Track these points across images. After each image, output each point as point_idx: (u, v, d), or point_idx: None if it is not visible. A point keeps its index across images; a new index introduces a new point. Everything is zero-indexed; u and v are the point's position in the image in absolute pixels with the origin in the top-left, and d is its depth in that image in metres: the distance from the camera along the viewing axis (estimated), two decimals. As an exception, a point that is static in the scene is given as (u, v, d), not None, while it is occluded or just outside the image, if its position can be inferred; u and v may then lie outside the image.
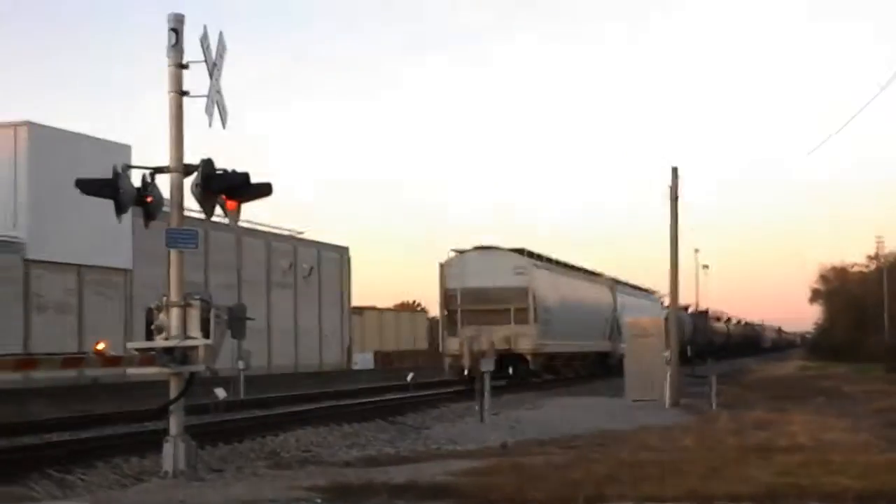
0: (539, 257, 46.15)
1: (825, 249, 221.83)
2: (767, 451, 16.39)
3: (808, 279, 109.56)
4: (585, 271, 55.44)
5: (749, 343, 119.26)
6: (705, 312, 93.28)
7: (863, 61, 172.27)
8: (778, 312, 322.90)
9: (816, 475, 12.95)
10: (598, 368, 52.71)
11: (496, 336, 35.29)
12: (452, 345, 39.92)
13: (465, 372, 31.90)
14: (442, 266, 42.65)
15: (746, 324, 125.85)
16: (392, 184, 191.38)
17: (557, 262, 49.74)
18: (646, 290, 67.38)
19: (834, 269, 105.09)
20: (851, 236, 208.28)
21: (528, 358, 41.31)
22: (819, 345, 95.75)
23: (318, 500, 12.75)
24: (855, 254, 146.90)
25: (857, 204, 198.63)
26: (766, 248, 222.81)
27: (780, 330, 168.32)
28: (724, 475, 13.34)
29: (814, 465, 13.91)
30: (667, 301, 44.88)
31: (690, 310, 78.69)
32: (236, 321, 16.29)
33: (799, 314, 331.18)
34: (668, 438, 20.38)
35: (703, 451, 17.28)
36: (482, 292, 40.70)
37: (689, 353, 48.78)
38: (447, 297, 42.49)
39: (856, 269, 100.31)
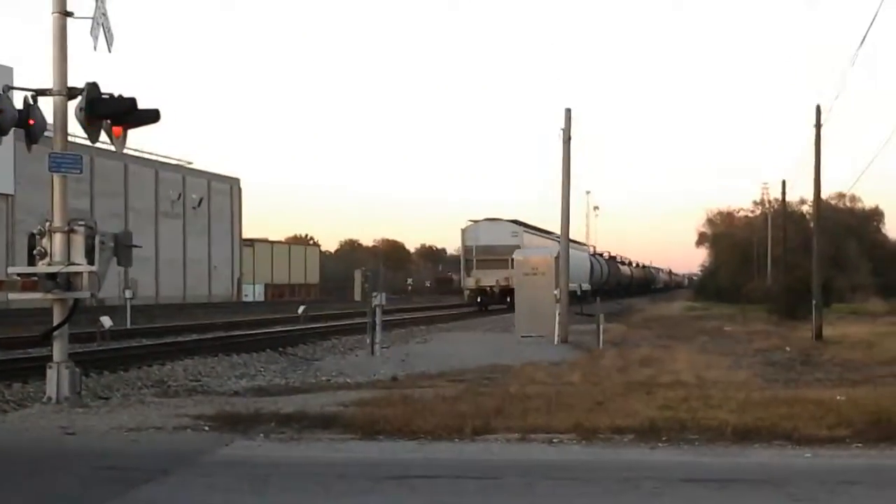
0: (526, 225, 61.88)
1: (713, 195, 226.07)
2: (651, 387, 16.70)
3: (696, 223, 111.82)
4: (550, 232, 63.13)
5: (647, 283, 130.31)
6: (615, 257, 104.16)
7: (747, 8, 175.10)
8: (667, 254, 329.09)
9: (696, 410, 13.25)
10: (581, 298, 61.64)
11: (498, 277, 53.07)
12: (469, 282, 57.90)
13: (478, 299, 48.37)
14: (462, 230, 59.63)
15: (644, 266, 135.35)
16: (288, 114, 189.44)
17: (537, 228, 64.01)
18: (581, 244, 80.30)
19: (720, 213, 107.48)
20: (738, 183, 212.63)
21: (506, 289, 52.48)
22: (705, 286, 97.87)
23: (206, 428, 12.65)
24: (741, 199, 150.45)
25: (745, 151, 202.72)
26: (655, 192, 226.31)
27: (670, 272, 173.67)
28: (609, 409, 13.57)
29: (694, 401, 14.22)
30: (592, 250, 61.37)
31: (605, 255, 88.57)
32: (122, 248, 15.99)
33: (686, 257, 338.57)
34: (556, 374, 20.68)
35: (588, 385, 17.57)
36: (489, 248, 56.80)
37: (580, 292, 59.47)
38: (466, 250, 59.74)
39: (741, 214, 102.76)
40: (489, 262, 56.59)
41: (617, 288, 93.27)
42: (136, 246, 16.66)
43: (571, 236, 35.89)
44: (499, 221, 60.00)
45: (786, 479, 9.70)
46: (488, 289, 55.72)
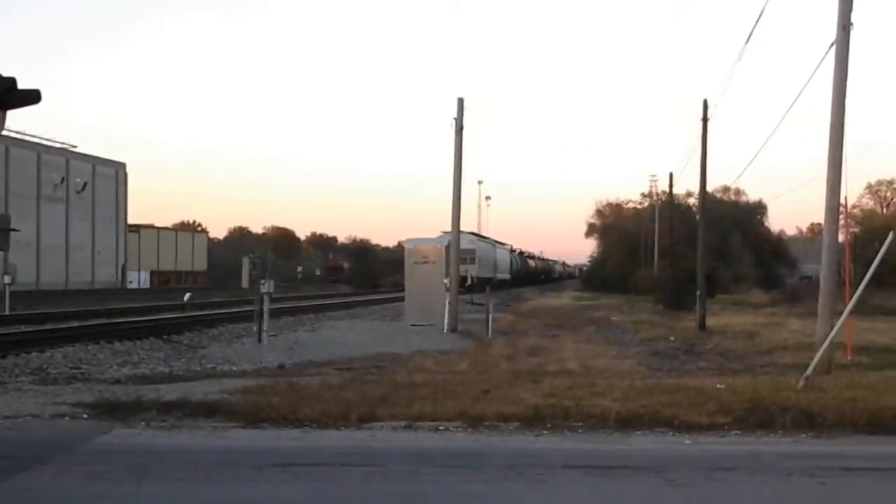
0: (479, 235, 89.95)
1: (603, 188, 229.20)
2: (538, 376, 16.83)
3: (586, 214, 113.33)
4: (501, 243, 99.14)
5: (548, 273, 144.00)
6: (524, 253, 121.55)
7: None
8: (557, 245, 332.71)
9: (581, 398, 13.38)
10: (503, 285, 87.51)
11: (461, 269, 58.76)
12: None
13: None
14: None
15: (544, 259, 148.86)
16: (175, 97, 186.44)
17: (484, 237, 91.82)
18: (503, 244, 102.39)
19: (609, 205, 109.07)
20: (628, 175, 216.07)
21: (474, 280, 70.40)
22: (593, 277, 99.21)
23: (85, 416, 12.35)
24: (630, 191, 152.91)
25: (634, 144, 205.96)
26: (546, 183, 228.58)
27: (564, 263, 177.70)
28: (495, 397, 13.63)
29: (579, 389, 14.36)
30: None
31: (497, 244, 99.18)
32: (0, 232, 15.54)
33: (576, 247, 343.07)
34: (444, 362, 20.74)
35: (476, 374, 17.65)
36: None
37: (473, 283, 69.50)
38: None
39: (630, 205, 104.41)
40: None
41: (525, 278, 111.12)
42: (13, 230, 16.24)
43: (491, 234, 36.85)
44: (462, 233, 69.74)
45: (666, 464, 9.85)
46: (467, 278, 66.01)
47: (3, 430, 11.64)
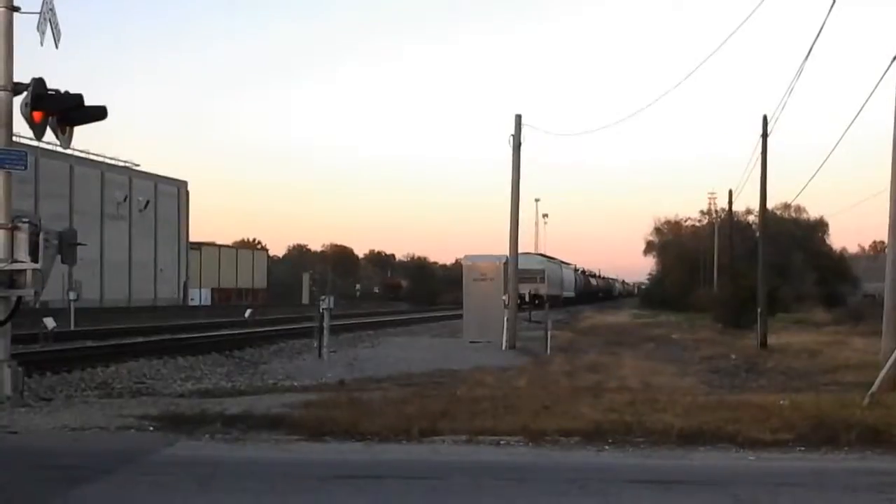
0: (547, 257, 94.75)
1: (661, 204, 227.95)
2: (598, 392, 16.78)
3: (644, 232, 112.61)
4: (567, 263, 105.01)
5: (608, 292, 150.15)
6: (586, 272, 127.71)
7: (702, 18, 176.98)
8: (614, 263, 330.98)
9: (642, 413, 13.33)
10: (570, 302, 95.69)
11: (530, 289, 71.88)
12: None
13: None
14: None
15: (605, 278, 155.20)
16: (236, 117, 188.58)
17: (552, 258, 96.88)
18: (568, 263, 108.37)
19: (668, 222, 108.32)
20: (686, 193, 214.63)
21: (544, 297, 66.79)
22: (652, 295, 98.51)
23: (150, 429, 12.53)
24: (689, 209, 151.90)
25: (692, 161, 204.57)
26: (604, 201, 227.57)
27: (623, 282, 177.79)
28: (555, 412, 13.61)
29: (640, 405, 14.29)
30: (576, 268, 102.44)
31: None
32: (66, 246, 15.81)
33: (633, 265, 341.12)
34: (503, 378, 20.71)
35: (536, 390, 17.61)
36: (525, 271, 67.56)
37: (543, 301, 71.32)
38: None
39: (689, 223, 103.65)
40: (524, 279, 70.35)
41: (587, 296, 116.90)
42: (80, 244, 16.49)
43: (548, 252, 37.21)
44: (530, 255, 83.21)
45: (729, 480, 9.78)
46: (525, 296, 67.63)
47: (71, 442, 11.85)
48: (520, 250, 36.36)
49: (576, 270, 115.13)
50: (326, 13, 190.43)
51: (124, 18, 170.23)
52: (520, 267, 77.01)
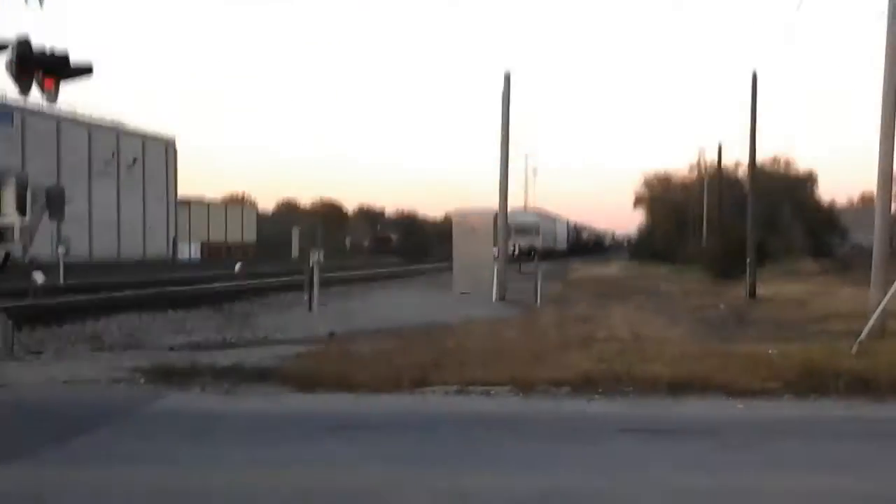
0: (544, 213, 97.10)
1: (651, 157, 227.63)
2: (587, 342, 16.83)
3: (634, 185, 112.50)
4: (555, 216, 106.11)
5: (600, 245, 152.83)
6: (576, 225, 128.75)
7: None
8: (604, 216, 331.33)
9: (632, 363, 13.37)
10: (563, 255, 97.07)
11: (527, 241, 77.64)
12: (511, 245, 69.00)
13: (515, 253, 53.68)
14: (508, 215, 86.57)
15: (594, 231, 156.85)
16: (224, 72, 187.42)
17: (546, 212, 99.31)
18: (562, 219, 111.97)
19: (657, 176, 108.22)
20: (676, 145, 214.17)
21: (538, 250, 72.96)
22: (641, 247, 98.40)
23: (141, 381, 12.55)
24: (678, 161, 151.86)
25: (682, 114, 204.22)
26: (593, 154, 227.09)
27: (613, 235, 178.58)
28: (545, 362, 13.66)
29: (630, 354, 14.36)
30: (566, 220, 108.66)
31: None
32: (54, 202, 15.77)
33: (623, 218, 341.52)
34: (493, 330, 20.73)
35: (526, 341, 17.66)
36: (522, 224, 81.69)
37: (537, 253, 73.25)
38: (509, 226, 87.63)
39: (678, 177, 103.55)
40: (521, 233, 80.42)
41: (579, 248, 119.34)
42: (67, 201, 16.45)
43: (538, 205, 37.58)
44: (526, 210, 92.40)
45: (719, 428, 9.86)
46: (522, 247, 73.25)
47: (64, 394, 11.88)
48: (510, 204, 36.33)
49: (568, 224, 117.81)
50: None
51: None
52: (516, 221, 78.51)
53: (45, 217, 15.74)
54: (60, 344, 18.12)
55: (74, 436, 9.38)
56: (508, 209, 39.50)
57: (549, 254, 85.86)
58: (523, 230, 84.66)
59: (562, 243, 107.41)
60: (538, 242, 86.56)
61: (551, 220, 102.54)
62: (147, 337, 19.98)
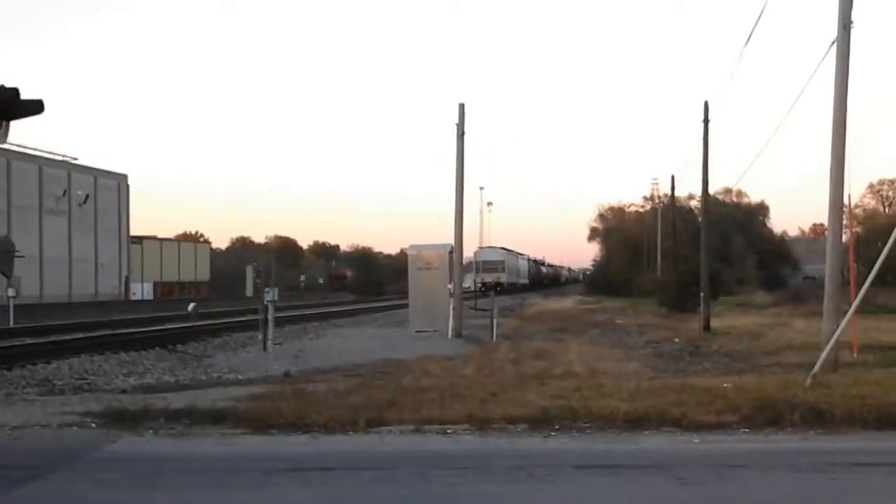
0: (507, 249, 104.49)
1: (604, 190, 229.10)
2: (544, 378, 16.82)
3: (588, 218, 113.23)
4: (519, 253, 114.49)
5: (556, 279, 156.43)
6: (536, 260, 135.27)
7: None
8: (559, 249, 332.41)
9: (588, 399, 13.37)
10: (525, 289, 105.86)
11: (493, 277, 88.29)
12: (478, 279, 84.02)
13: (481, 287, 62.99)
14: (475, 253, 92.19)
15: (553, 265, 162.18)
16: (177, 110, 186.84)
17: (510, 250, 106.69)
18: (521, 253, 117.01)
19: (612, 208, 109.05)
20: (629, 179, 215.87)
21: (503, 285, 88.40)
22: (596, 281, 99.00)
23: (93, 425, 12.35)
24: (632, 195, 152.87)
25: (635, 147, 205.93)
26: (547, 187, 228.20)
27: (569, 269, 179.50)
28: (502, 400, 13.62)
29: (586, 390, 14.35)
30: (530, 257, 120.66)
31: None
32: (3, 255, 15.54)
33: (578, 251, 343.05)
34: (450, 367, 20.71)
35: (482, 378, 17.63)
36: (488, 262, 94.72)
37: (503, 288, 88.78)
38: (476, 264, 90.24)
39: (632, 209, 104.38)
40: (488, 269, 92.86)
41: (538, 282, 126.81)
42: (19, 255, 16.19)
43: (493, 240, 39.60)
44: (493, 248, 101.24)
45: (676, 463, 9.84)
46: (489, 283, 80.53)
47: (12, 441, 11.65)
48: (465, 239, 36.41)
49: (529, 260, 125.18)
50: None
51: (63, 14, 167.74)
52: (483, 259, 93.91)
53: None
54: (10, 388, 17.85)
55: (23, 482, 9.19)
56: (477, 247, 39.78)
57: (513, 287, 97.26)
58: (490, 267, 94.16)
59: (524, 278, 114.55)
60: (504, 278, 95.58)
61: (514, 256, 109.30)
62: (99, 379, 19.74)
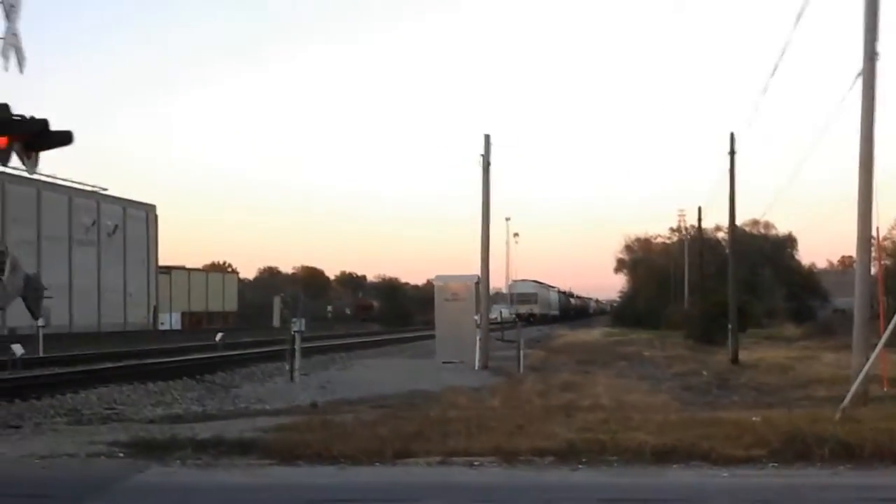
0: (538, 282, 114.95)
1: (631, 222, 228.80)
2: (571, 411, 16.75)
3: (615, 249, 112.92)
4: (550, 285, 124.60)
5: (584, 310, 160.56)
6: (565, 292, 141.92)
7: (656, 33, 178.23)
8: (586, 280, 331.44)
9: (615, 431, 13.30)
10: (556, 320, 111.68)
11: (528, 308, 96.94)
12: (514, 310, 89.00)
13: (517, 319, 60.82)
14: (509, 286, 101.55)
15: (581, 297, 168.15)
16: (204, 141, 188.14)
17: (542, 283, 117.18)
18: (552, 286, 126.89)
19: (638, 240, 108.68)
20: (656, 210, 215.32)
21: (536, 316, 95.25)
22: (623, 312, 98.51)
23: (120, 455, 12.40)
24: (658, 227, 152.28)
25: (662, 178, 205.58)
26: (574, 219, 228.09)
27: (597, 300, 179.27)
28: (529, 432, 13.58)
29: (614, 423, 14.27)
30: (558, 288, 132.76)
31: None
32: (32, 294, 15.70)
33: (605, 283, 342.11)
34: (476, 399, 20.67)
35: (509, 410, 17.57)
36: (523, 294, 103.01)
37: (536, 318, 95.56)
38: (511, 296, 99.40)
39: (659, 240, 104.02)
40: (522, 301, 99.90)
41: (568, 314, 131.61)
42: (47, 296, 16.33)
43: (519, 271, 42.86)
44: (527, 282, 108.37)
45: (704, 498, 9.79)
46: (523, 314, 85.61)
47: (40, 470, 11.71)
48: (492, 270, 36.41)
49: (559, 292, 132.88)
50: (286, 34, 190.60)
51: (83, 43, 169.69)
52: (517, 291, 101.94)
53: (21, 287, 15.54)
54: (39, 418, 17.96)
55: (52, 513, 9.25)
56: (509, 279, 39.97)
57: (545, 318, 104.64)
58: (524, 299, 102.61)
59: (555, 309, 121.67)
60: (536, 309, 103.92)
61: (546, 289, 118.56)
62: (127, 409, 19.83)
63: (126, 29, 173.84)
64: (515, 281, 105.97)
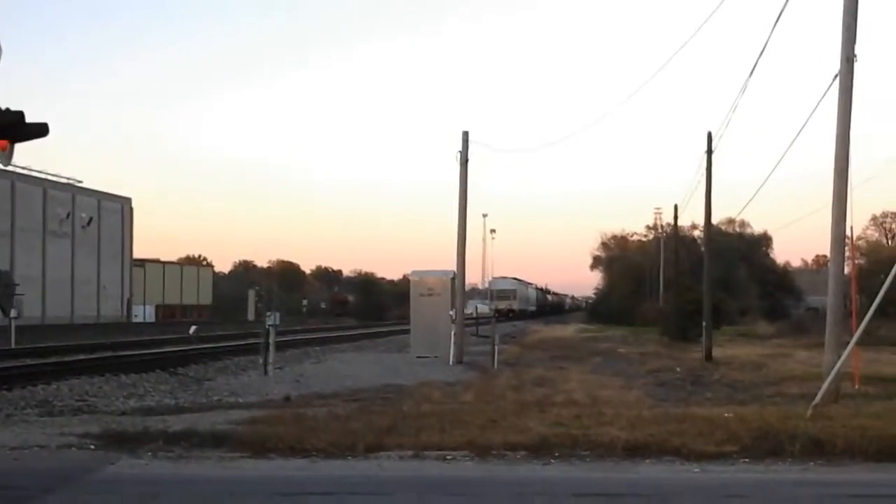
0: (518, 279, 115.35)
1: (607, 219, 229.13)
2: (544, 406, 16.77)
3: (590, 246, 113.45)
4: (528, 282, 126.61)
5: (560, 307, 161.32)
6: (542, 288, 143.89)
7: (648, 33, 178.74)
8: (562, 277, 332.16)
9: (588, 427, 13.32)
10: (532, 316, 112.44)
11: (506, 304, 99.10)
12: (492, 305, 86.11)
13: (496, 314, 57.93)
14: (490, 282, 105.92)
15: (557, 294, 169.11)
16: (180, 134, 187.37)
17: (521, 279, 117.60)
18: (530, 283, 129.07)
19: (614, 237, 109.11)
20: (632, 208, 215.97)
21: (515, 312, 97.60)
22: (598, 309, 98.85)
23: (91, 447, 12.33)
24: (635, 224, 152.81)
25: (638, 176, 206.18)
26: (551, 216, 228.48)
27: (572, 296, 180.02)
28: (502, 426, 13.58)
29: (587, 418, 14.30)
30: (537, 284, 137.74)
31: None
32: (3, 290, 15.56)
33: (580, 279, 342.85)
34: (450, 393, 20.66)
35: (482, 405, 17.56)
36: (502, 290, 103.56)
37: (515, 314, 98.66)
38: (491, 292, 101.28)
39: (635, 238, 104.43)
40: (501, 297, 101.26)
41: (544, 310, 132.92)
42: (19, 294, 16.17)
43: (495, 267, 43.49)
44: (506, 278, 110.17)
45: (675, 493, 9.80)
46: (502, 309, 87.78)
47: (10, 461, 11.62)
48: (468, 266, 36.40)
49: (537, 289, 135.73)
50: (272, 25, 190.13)
51: (62, 34, 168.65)
52: (497, 287, 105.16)
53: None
54: (10, 409, 17.84)
55: (21, 503, 9.17)
56: (488, 275, 39.93)
57: (523, 314, 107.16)
58: (503, 295, 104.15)
59: (532, 305, 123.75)
60: (515, 305, 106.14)
61: (525, 285, 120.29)
62: (99, 401, 19.72)
63: (108, 19, 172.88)
64: (495, 278, 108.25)
